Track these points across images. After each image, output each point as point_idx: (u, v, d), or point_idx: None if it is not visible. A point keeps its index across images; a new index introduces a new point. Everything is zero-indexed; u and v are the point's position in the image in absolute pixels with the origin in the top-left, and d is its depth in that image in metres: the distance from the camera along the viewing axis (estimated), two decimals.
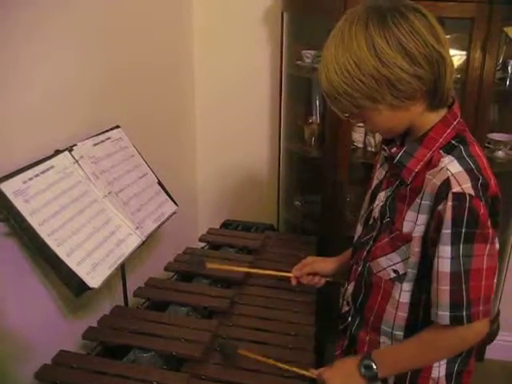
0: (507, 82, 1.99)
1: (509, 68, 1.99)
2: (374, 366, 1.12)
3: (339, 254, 1.49)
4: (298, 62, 2.24)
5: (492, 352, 2.37)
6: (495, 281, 1.05)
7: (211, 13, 2.40)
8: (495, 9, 1.75)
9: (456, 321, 1.02)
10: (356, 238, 1.30)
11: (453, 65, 1.02)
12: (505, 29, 1.86)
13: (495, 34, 1.78)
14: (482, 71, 1.83)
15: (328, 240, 2.11)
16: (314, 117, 2.28)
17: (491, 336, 2.27)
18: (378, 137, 2.09)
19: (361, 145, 2.16)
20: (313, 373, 1.23)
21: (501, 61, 1.98)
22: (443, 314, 1.02)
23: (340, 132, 2.01)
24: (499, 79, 1.97)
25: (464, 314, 1.01)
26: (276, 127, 2.43)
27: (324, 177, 2.12)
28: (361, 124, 2.09)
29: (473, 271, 1.00)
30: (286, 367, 1.25)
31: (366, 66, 0.96)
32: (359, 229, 1.30)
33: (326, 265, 1.47)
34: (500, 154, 2.06)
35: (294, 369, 1.25)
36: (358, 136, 2.14)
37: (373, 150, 2.13)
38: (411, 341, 1.12)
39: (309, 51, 2.20)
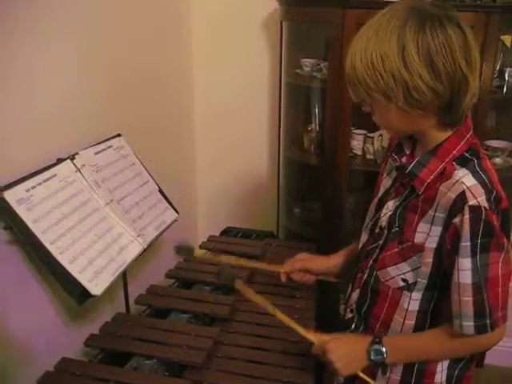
0: (504, 90, 2.01)
1: (506, 76, 2.01)
2: (385, 353, 1.11)
3: None
4: (297, 71, 2.26)
5: (492, 358, 2.37)
6: (510, 286, 1.05)
7: (210, 21, 2.42)
8: (492, 18, 1.77)
9: (481, 330, 1.03)
10: (361, 246, 1.30)
11: (476, 90, 1.02)
12: (502, 37, 1.88)
13: (492, 43, 1.81)
14: (479, 79, 1.84)
15: (327, 247, 2.11)
16: (313, 125, 2.30)
17: None
18: (377, 144, 2.11)
19: (360, 152, 2.17)
20: (314, 336, 1.20)
21: (498, 69, 2.00)
22: (468, 325, 1.03)
23: (339, 139, 2.03)
24: (496, 87, 1.99)
25: (488, 322, 1.02)
26: (275, 135, 2.44)
27: (323, 184, 2.13)
28: (360, 131, 2.12)
29: (490, 279, 1.01)
30: (287, 320, 1.23)
31: (390, 63, 0.96)
32: (364, 237, 1.28)
33: (318, 263, 1.49)
34: (498, 160, 2.07)
35: (293, 325, 1.23)
36: (356, 143, 2.15)
37: (372, 157, 2.14)
38: (426, 335, 1.12)
39: (308, 60, 2.22)
